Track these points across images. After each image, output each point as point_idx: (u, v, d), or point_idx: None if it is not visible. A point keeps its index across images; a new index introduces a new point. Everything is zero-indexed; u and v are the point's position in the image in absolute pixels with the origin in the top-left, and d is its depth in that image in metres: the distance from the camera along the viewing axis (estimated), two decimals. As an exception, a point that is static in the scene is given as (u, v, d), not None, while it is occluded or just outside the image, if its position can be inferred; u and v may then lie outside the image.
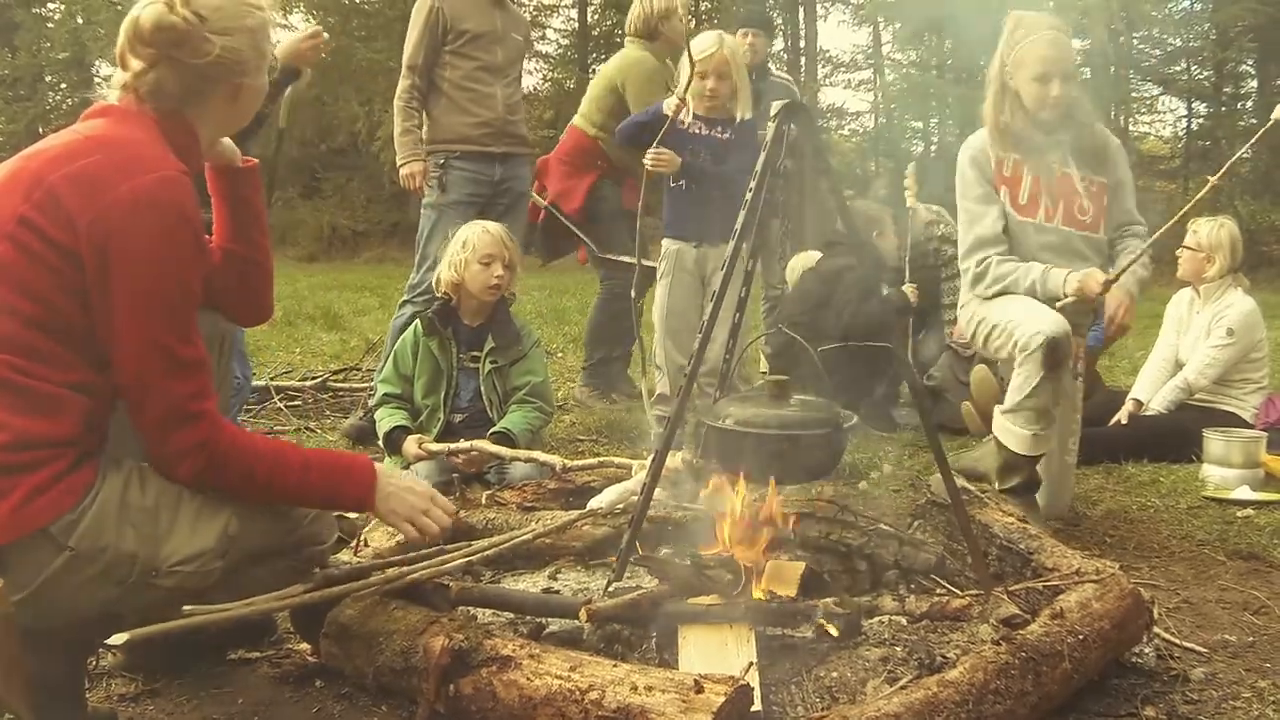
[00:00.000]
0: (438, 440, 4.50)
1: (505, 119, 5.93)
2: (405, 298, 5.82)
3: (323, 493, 2.48)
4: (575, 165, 6.54)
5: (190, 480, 2.31)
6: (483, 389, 4.68)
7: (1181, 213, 4.00)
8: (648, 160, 5.17)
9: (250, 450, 2.37)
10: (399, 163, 5.88)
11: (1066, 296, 3.95)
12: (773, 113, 2.85)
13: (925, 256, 6.67)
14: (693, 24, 27.87)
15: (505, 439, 4.42)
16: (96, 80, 30.12)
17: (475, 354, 4.71)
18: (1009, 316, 4.00)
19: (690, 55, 4.80)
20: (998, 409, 4.09)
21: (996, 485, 4.09)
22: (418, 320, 4.73)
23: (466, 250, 4.62)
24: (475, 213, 5.63)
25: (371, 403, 4.80)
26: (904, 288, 6.43)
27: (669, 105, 5.14)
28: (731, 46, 5.15)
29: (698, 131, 5.19)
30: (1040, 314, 3.90)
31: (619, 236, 6.35)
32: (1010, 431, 3.98)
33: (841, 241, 5.94)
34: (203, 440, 2.29)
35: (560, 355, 9.11)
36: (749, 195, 2.82)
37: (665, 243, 5.35)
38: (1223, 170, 3.86)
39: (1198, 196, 3.94)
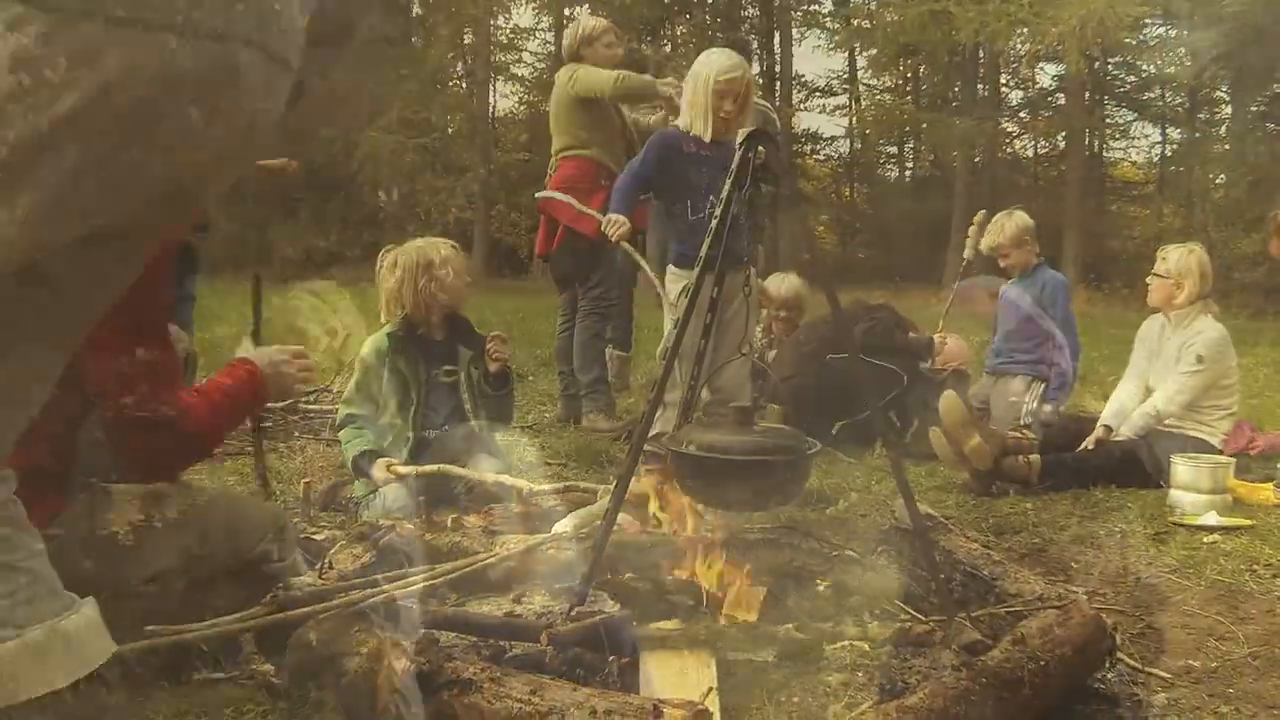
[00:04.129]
0: (408, 460, 4.46)
1: None
2: None
3: (244, 411, 2.87)
4: (581, 190, 6.51)
5: (184, 466, 2.57)
6: (466, 400, 4.63)
7: None
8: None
9: (209, 415, 2.59)
10: None
11: None
12: (739, 139, 2.88)
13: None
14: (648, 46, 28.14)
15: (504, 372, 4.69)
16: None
17: (450, 368, 4.65)
18: None
19: (707, 73, 4.74)
20: None
21: None
22: (385, 339, 4.54)
23: (449, 270, 4.53)
24: None
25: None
26: (935, 335, 6.49)
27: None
28: (750, 71, 4.89)
29: (706, 153, 4.86)
30: None
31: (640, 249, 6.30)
32: None
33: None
34: (191, 432, 2.47)
35: (531, 379, 8.97)
36: (714, 223, 2.84)
37: (675, 272, 5.02)
38: None
39: None
